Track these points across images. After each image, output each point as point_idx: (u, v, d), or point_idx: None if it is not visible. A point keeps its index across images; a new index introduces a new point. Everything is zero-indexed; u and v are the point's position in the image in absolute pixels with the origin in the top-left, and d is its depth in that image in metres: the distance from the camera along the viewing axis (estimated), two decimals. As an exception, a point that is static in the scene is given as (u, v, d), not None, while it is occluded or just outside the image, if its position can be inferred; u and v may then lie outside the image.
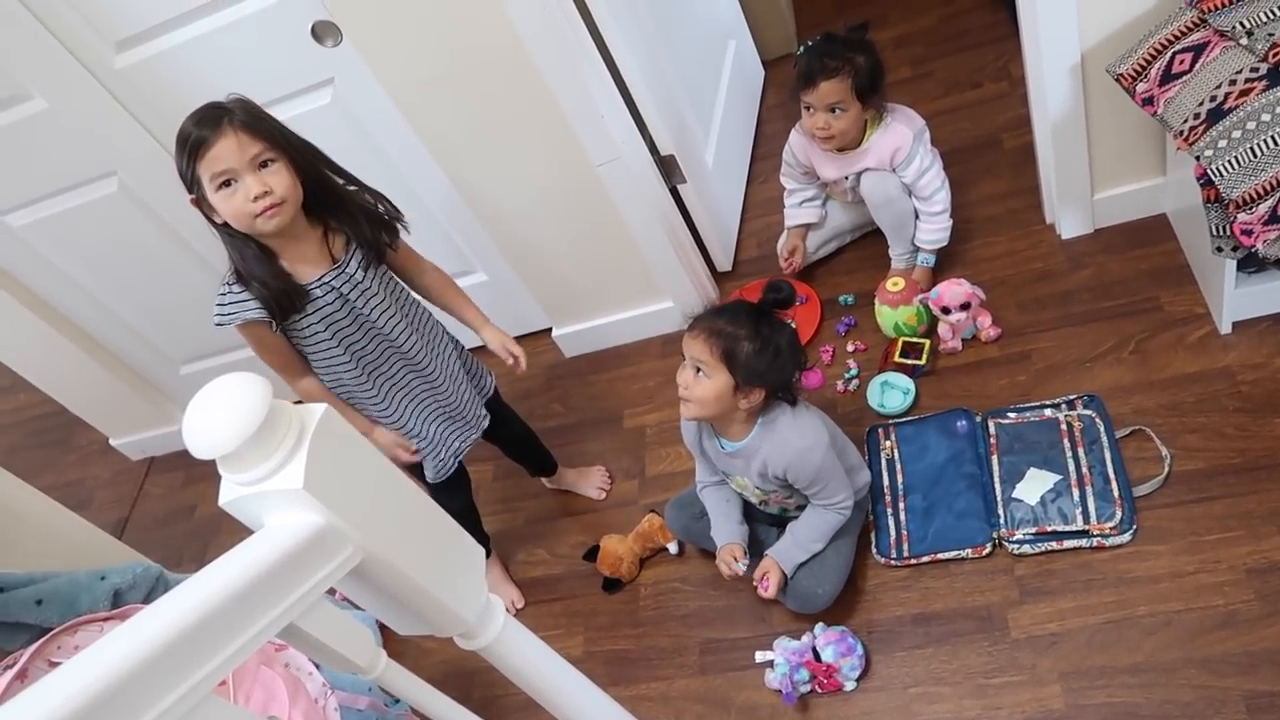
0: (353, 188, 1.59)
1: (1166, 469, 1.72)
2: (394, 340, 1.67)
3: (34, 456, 3.22)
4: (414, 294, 1.76)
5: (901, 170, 2.07)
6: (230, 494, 0.77)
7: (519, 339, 2.57)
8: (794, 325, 1.65)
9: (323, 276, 1.56)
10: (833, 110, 2.01)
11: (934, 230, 2.14)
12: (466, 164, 2.08)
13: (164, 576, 1.42)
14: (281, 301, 1.53)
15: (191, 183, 1.44)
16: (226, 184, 1.43)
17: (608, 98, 1.99)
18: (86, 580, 1.33)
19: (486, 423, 1.88)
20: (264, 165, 1.43)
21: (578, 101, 1.92)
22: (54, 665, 1.16)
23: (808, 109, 2.05)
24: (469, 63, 1.87)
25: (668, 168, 2.27)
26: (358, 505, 0.80)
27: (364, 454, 0.85)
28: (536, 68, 1.86)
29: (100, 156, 2.15)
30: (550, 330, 2.54)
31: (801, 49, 2.05)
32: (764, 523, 1.89)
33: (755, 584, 1.74)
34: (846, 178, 2.16)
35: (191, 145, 1.40)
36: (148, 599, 1.37)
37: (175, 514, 2.76)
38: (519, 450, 2.14)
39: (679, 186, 2.33)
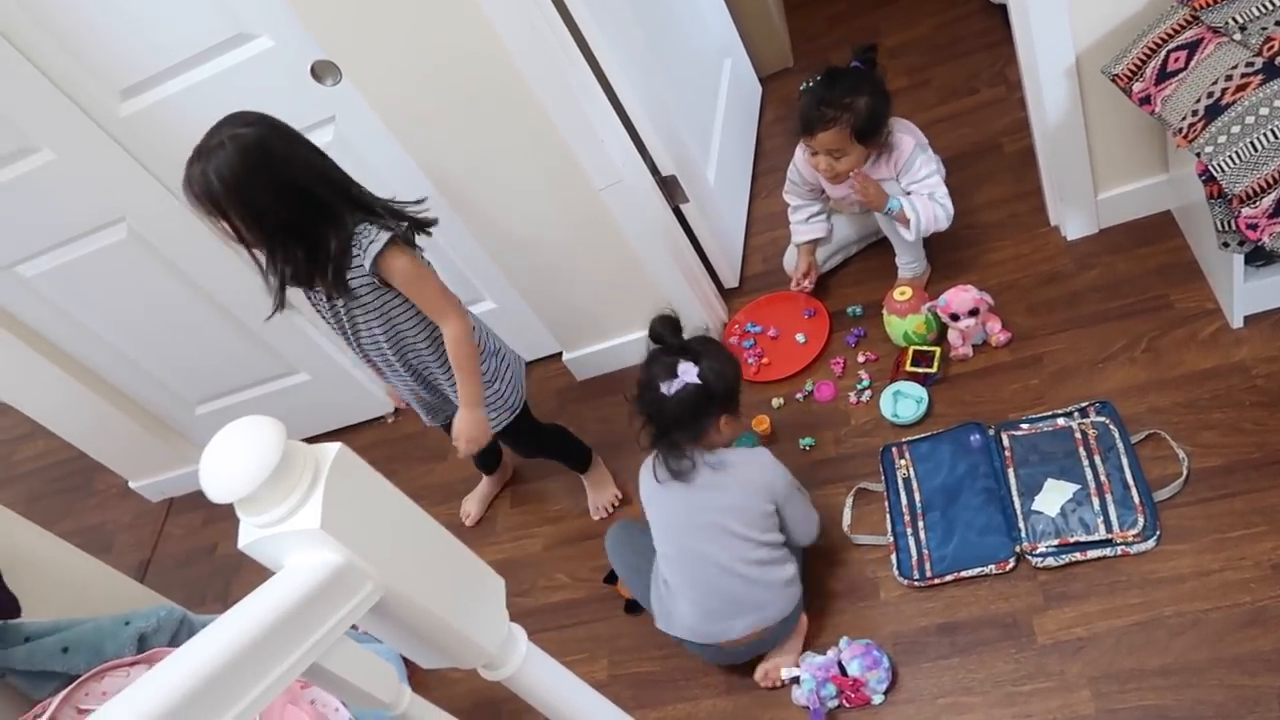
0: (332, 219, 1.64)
1: (1185, 470, 1.70)
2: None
3: (54, 502, 3.24)
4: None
5: (903, 176, 2.07)
6: (249, 536, 0.77)
7: (530, 363, 2.62)
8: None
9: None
10: (833, 154, 2.02)
11: (925, 204, 2.04)
12: (469, 194, 2.09)
13: (188, 619, 1.43)
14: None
15: None
16: None
17: (606, 123, 2.01)
18: (111, 626, 1.33)
19: None
20: (211, 215, 1.56)
21: (577, 128, 1.93)
22: (82, 713, 1.17)
23: (811, 150, 2.06)
24: (467, 95, 1.89)
25: (670, 188, 2.28)
26: (376, 542, 0.81)
27: (380, 489, 0.85)
28: (534, 97, 1.87)
29: (109, 204, 2.18)
30: (561, 354, 2.54)
31: (804, 87, 2.01)
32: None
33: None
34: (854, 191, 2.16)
35: None
36: (173, 642, 1.38)
37: (197, 554, 2.77)
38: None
39: (682, 206, 2.34)
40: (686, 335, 1.72)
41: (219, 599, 2.59)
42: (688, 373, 1.62)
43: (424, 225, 1.72)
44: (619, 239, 2.16)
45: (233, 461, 0.74)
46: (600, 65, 2.03)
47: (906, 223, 2.06)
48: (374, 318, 1.73)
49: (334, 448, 0.80)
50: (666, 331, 1.70)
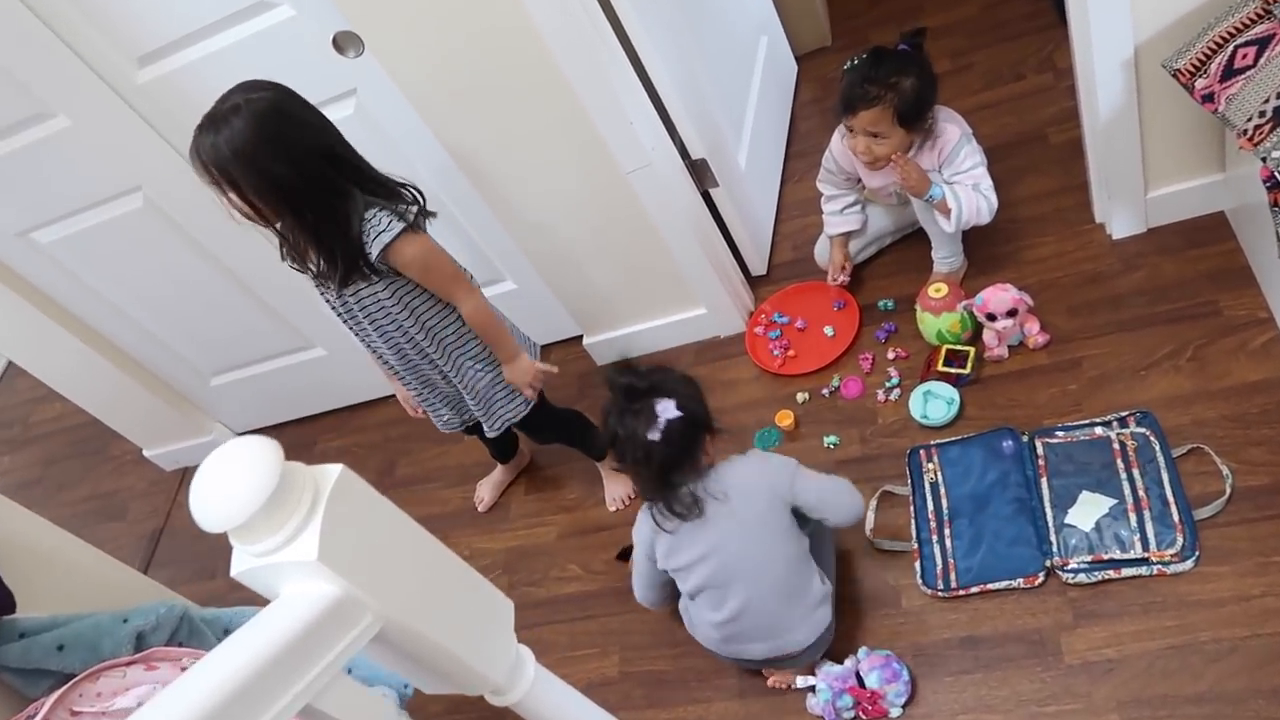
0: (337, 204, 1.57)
1: (1228, 489, 1.63)
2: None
3: (71, 466, 3.23)
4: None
5: (946, 167, 1.98)
6: (242, 564, 0.73)
7: (550, 346, 2.56)
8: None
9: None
10: (873, 136, 1.93)
11: (968, 194, 1.95)
12: (492, 173, 2.03)
13: (188, 615, 1.39)
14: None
15: None
16: None
17: (636, 104, 1.93)
18: (108, 623, 1.30)
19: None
20: (219, 186, 1.50)
21: (606, 109, 1.86)
22: (75, 714, 1.13)
23: (850, 130, 1.97)
24: (493, 71, 1.82)
25: (699, 172, 2.21)
26: (376, 571, 0.76)
27: (383, 512, 0.80)
28: (563, 75, 1.80)
29: (125, 172, 2.13)
30: (581, 338, 2.49)
31: (847, 66, 1.93)
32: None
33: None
34: (893, 181, 2.07)
35: None
36: (171, 640, 1.34)
37: (209, 525, 2.75)
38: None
39: (711, 190, 2.26)
40: (633, 368, 1.59)
41: (229, 573, 2.57)
42: (667, 410, 1.51)
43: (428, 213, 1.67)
44: (645, 224, 2.09)
45: (226, 488, 0.69)
46: (632, 42, 1.95)
47: (947, 212, 1.97)
48: (382, 304, 1.67)
49: (335, 470, 0.75)
50: (631, 378, 1.56)
